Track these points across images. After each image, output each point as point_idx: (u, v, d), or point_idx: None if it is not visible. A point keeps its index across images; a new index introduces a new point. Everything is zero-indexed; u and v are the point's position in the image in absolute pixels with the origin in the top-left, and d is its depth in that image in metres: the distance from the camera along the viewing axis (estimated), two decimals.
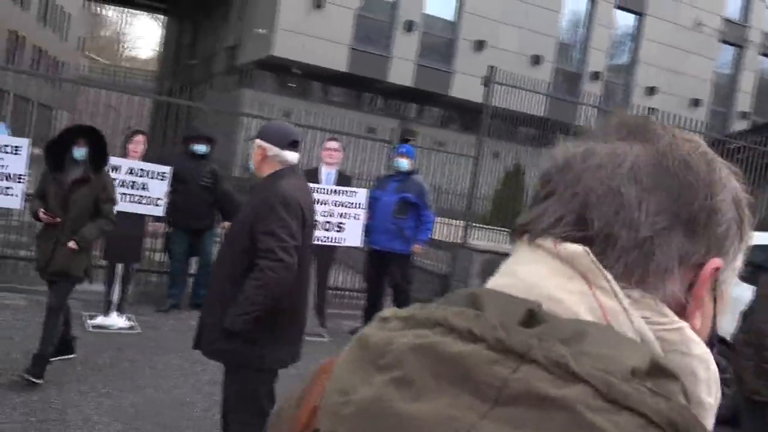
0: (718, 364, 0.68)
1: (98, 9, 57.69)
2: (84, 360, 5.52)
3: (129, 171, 6.52)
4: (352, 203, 7.04)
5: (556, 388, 0.54)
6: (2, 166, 5.91)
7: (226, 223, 6.86)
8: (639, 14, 23.64)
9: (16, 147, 5.97)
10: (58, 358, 5.22)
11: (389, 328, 0.64)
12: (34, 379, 4.76)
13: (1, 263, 7.69)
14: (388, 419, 0.57)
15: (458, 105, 19.72)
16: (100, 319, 6.57)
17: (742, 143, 10.84)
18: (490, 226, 10.35)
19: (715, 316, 0.72)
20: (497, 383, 0.56)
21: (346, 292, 9.25)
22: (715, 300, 0.70)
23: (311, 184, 6.84)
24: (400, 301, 7.23)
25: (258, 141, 3.45)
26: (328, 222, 6.91)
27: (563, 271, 0.66)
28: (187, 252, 7.62)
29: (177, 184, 6.88)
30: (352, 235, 7.08)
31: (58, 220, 4.89)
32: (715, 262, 0.68)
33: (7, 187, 5.92)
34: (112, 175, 6.35)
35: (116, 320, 6.60)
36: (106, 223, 5.11)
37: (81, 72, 40.83)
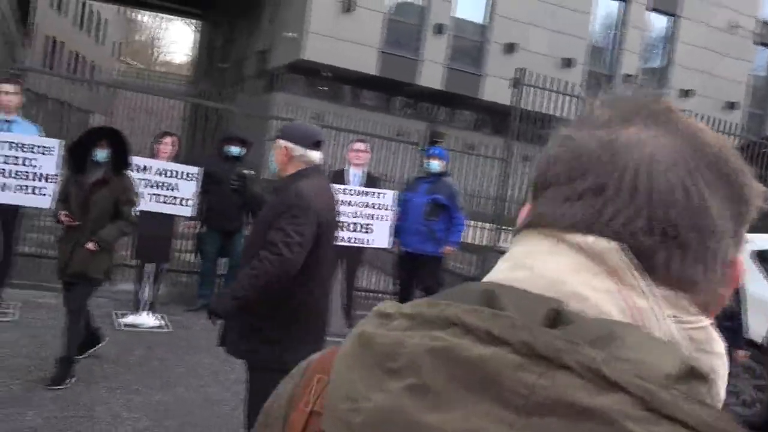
0: (753, 370, 0.65)
1: (134, 14, 58.58)
2: (114, 358, 5.59)
3: (158, 172, 6.59)
4: (380, 204, 7.04)
5: (590, 397, 0.50)
6: (35, 166, 6.01)
7: None
8: (672, 16, 23.34)
9: (48, 148, 6.07)
10: (90, 351, 5.31)
11: (395, 326, 0.60)
12: (56, 386, 4.79)
13: (34, 262, 7.82)
14: (406, 430, 0.53)
15: (489, 108, 19.64)
16: (130, 318, 6.66)
17: None
18: None
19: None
20: (524, 391, 0.52)
21: (374, 294, 9.25)
22: None
23: (339, 186, 6.89)
24: None
25: (282, 141, 3.46)
26: (355, 223, 6.92)
27: (589, 266, 0.61)
28: (218, 252, 7.69)
29: (211, 185, 6.94)
30: (380, 237, 7.08)
31: (77, 222, 4.88)
32: (739, 258, 0.65)
33: (41, 187, 6.02)
34: (142, 175, 6.46)
35: (147, 319, 6.68)
36: (125, 225, 5.09)
37: (116, 76, 41.46)
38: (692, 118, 0.68)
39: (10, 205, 6.15)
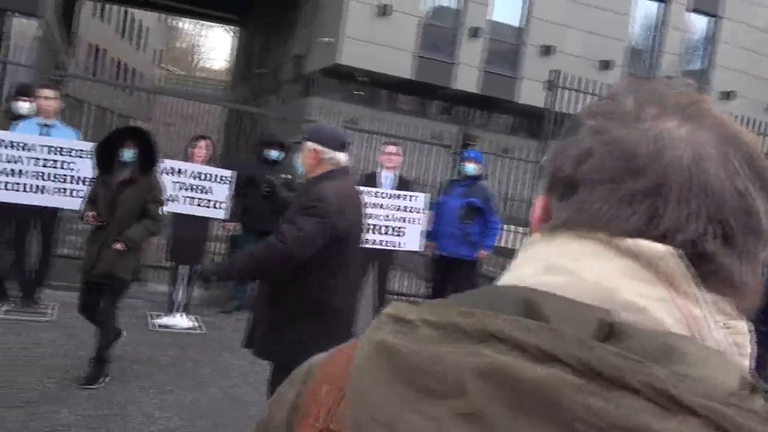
0: None
1: (174, 22, 59.53)
2: (148, 358, 5.68)
3: (193, 175, 6.68)
4: (412, 207, 7.03)
5: (659, 421, 0.47)
6: (72, 169, 6.14)
7: None
8: (714, 17, 22.92)
9: (86, 151, 6.19)
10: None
11: (422, 337, 0.55)
12: (89, 386, 4.87)
13: (72, 264, 7.97)
14: None
15: (525, 111, 19.50)
16: (164, 319, 6.75)
17: None
18: None
19: None
20: (586, 416, 0.47)
21: (407, 297, 9.24)
22: None
23: (371, 188, 6.91)
24: None
25: (311, 144, 3.48)
26: (387, 226, 6.93)
27: (640, 273, 0.57)
28: None
29: (250, 188, 7.00)
30: (412, 240, 7.07)
31: (104, 223, 4.88)
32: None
33: (78, 190, 6.13)
34: (177, 178, 6.55)
35: (180, 320, 6.77)
36: (152, 224, 5.05)
37: (157, 82, 42.23)
38: (710, 109, 0.65)
39: (49, 208, 6.29)
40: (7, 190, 6.03)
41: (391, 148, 7.31)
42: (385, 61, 18.35)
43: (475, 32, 19.46)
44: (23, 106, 6.42)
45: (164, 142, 10.02)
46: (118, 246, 4.86)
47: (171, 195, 6.54)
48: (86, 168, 6.13)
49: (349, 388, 0.58)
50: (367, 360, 0.57)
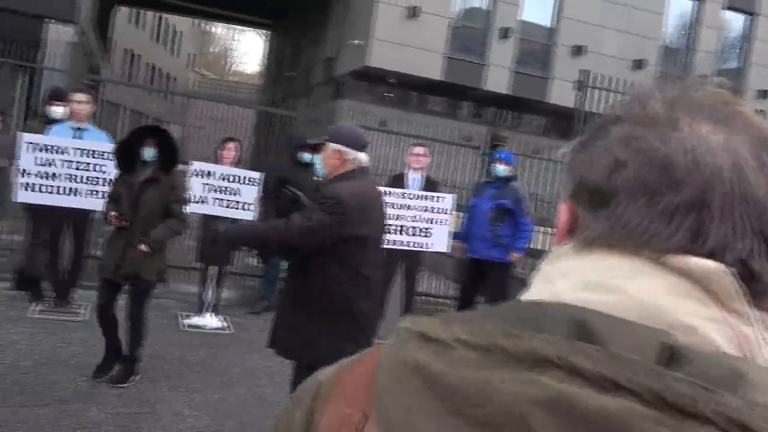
0: None
1: (208, 27, 60.22)
2: (177, 358, 5.75)
3: (222, 177, 6.75)
4: (439, 208, 7.02)
5: None
6: (104, 172, 6.24)
7: None
8: (750, 14, 22.50)
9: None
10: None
11: (460, 360, 0.52)
12: (119, 384, 4.94)
13: None
14: None
15: (556, 112, 19.35)
16: (194, 319, 6.83)
17: None
18: None
19: None
20: None
21: (435, 298, 9.23)
22: None
23: (398, 189, 6.91)
24: None
25: (335, 145, 3.49)
26: (414, 227, 6.92)
27: (692, 291, 0.54)
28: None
29: (282, 190, 7.02)
30: (439, 241, 7.06)
31: (126, 223, 4.83)
32: None
33: None
34: (206, 180, 6.63)
35: (210, 320, 6.84)
36: (175, 224, 5.00)
37: (191, 86, 42.76)
38: (743, 111, 0.62)
39: (82, 210, 6.41)
40: (42, 192, 6.17)
41: (419, 149, 7.29)
42: (415, 63, 18.35)
43: (505, 33, 19.37)
44: (57, 110, 6.56)
45: (197, 144, 10.15)
46: (143, 247, 4.84)
47: (200, 197, 6.61)
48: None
49: (379, 413, 0.54)
50: (398, 382, 0.54)
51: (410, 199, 6.93)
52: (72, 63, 12.16)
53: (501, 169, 7.05)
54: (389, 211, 6.69)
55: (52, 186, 6.18)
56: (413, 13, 18.40)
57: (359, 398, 0.58)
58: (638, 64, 20.22)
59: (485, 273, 7.03)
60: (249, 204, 6.88)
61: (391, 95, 19.69)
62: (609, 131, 0.62)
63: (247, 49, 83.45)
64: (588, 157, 0.62)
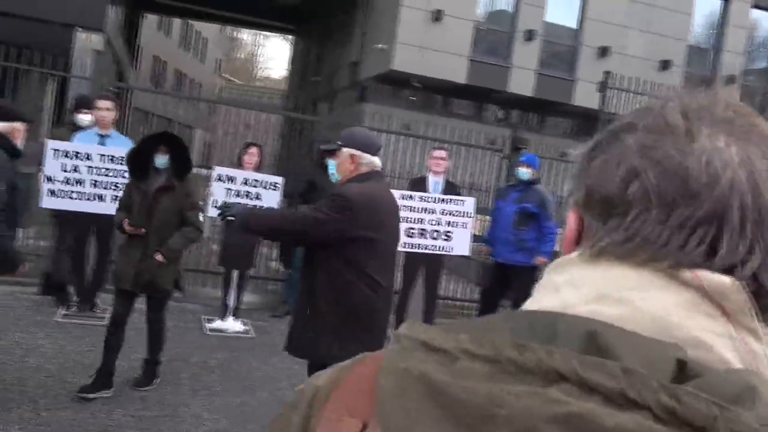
0: None
1: (234, 33, 60.78)
2: (200, 361, 5.80)
3: (244, 181, 6.80)
4: (460, 212, 7.00)
5: None
6: (127, 178, 6.30)
7: None
8: None
9: None
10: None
11: (466, 372, 0.51)
12: (141, 387, 5.00)
13: None
14: None
15: (581, 114, 19.19)
16: (217, 323, 6.89)
17: None
18: None
19: None
20: None
21: (457, 302, 9.20)
22: None
23: (418, 193, 6.91)
24: None
25: (349, 150, 3.50)
26: (435, 231, 6.91)
27: (703, 306, 0.54)
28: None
29: (311, 194, 7.06)
30: (460, 244, 7.04)
31: (143, 230, 4.77)
32: None
33: None
34: (229, 185, 6.68)
35: (232, 324, 6.90)
36: (191, 231, 4.94)
37: (217, 92, 43.19)
38: (757, 122, 0.61)
39: (106, 215, 6.48)
40: (67, 198, 6.27)
41: (439, 153, 7.28)
42: (439, 66, 18.33)
43: (529, 35, 19.28)
44: (84, 118, 6.64)
45: (223, 149, 10.24)
46: (159, 257, 4.79)
47: (223, 202, 6.67)
48: None
49: (380, 420, 0.53)
50: (402, 393, 0.52)
51: (431, 202, 6.92)
52: (97, 71, 12.33)
53: (524, 172, 7.01)
54: (410, 214, 6.72)
55: (77, 192, 6.28)
56: (437, 16, 18.40)
57: (359, 404, 0.57)
58: (664, 65, 20.00)
59: (509, 277, 6.97)
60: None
61: (416, 99, 19.69)
62: (622, 139, 0.61)
63: (273, 54, 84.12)
64: (600, 164, 0.61)
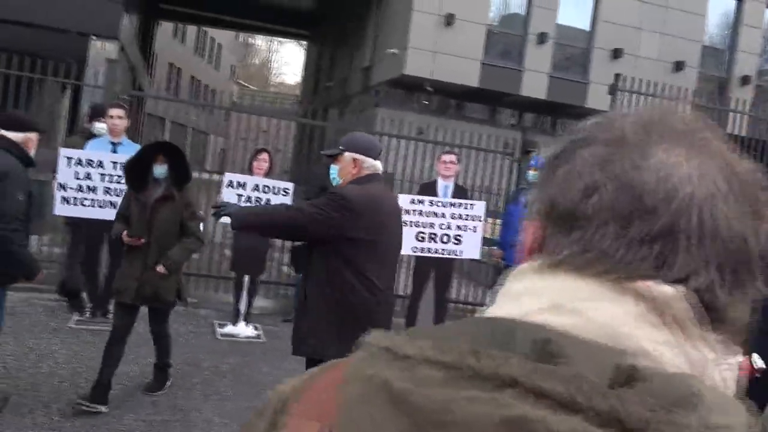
0: None
1: (248, 39, 61.09)
2: (211, 366, 5.85)
3: (254, 187, 6.84)
4: (470, 215, 7.00)
5: None
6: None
7: None
8: None
9: None
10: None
11: (425, 378, 0.51)
12: (153, 392, 5.05)
13: None
14: None
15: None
16: (229, 328, 6.94)
17: None
18: None
19: None
20: None
21: (468, 306, 9.19)
22: None
23: (429, 197, 6.92)
24: None
25: (351, 154, 3.53)
26: (445, 234, 6.92)
27: (649, 317, 0.55)
28: None
29: None
30: (470, 247, 7.04)
31: (143, 241, 4.68)
32: None
33: None
34: (239, 191, 6.73)
35: (244, 329, 6.94)
36: (192, 242, 4.87)
37: (232, 99, 43.44)
38: (713, 136, 0.62)
39: None
40: (80, 206, 6.34)
41: (448, 157, 7.30)
42: (452, 70, 18.34)
43: (542, 38, 19.24)
44: (101, 127, 6.69)
45: (238, 156, 10.32)
46: (161, 269, 4.71)
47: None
48: None
49: (343, 427, 0.54)
50: (363, 399, 0.53)
51: (441, 206, 6.93)
52: (110, 79, 12.44)
53: (534, 175, 7.01)
54: (420, 219, 6.74)
55: (89, 199, 6.35)
56: (449, 20, 18.41)
57: (324, 411, 0.57)
58: (678, 66, 19.89)
59: None
60: None
61: (428, 103, 19.70)
62: (578, 153, 0.62)
63: (287, 59, 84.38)
64: (563, 175, 0.62)
